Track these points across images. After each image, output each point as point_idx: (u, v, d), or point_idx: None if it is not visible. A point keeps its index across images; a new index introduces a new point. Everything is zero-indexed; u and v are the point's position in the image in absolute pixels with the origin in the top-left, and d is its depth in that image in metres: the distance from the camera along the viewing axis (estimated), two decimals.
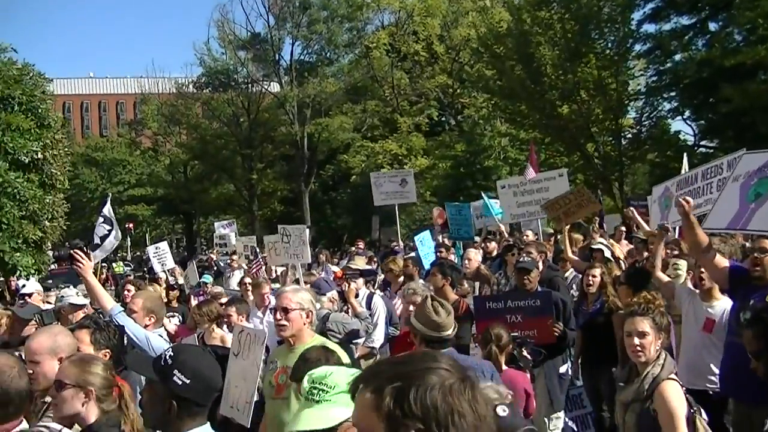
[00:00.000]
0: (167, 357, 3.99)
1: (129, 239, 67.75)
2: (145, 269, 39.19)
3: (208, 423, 3.93)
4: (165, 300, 13.53)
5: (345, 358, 6.06)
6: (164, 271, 19.87)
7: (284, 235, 14.28)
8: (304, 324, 6.53)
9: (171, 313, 13.08)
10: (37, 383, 4.92)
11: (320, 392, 3.29)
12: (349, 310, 10.87)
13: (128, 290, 13.44)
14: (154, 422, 3.98)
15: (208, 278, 18.31)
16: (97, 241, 19.26)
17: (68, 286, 11.85)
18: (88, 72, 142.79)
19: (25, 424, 4.28)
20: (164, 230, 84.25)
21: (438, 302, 6.61)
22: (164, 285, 17.07)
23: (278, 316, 6.59)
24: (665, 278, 9.03)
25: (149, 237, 65.54)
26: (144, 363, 4.30)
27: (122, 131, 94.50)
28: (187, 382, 3.87)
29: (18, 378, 4.25)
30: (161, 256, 20.80)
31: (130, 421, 4.51)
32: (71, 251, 7.26)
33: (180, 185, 70.59)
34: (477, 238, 18.92)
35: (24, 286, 17.65)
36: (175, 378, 3.87)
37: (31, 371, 4.81)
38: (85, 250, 7.18)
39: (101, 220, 19.55)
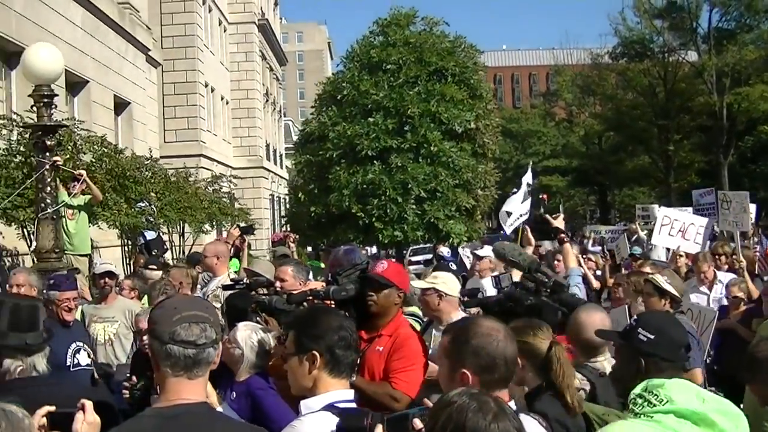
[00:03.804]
0: (632, 321, 4.45)
1: (542, 209, 71.43)
2: None
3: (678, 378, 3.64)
4: None
5: None
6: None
7: (724, 201, 14.08)
8: None
9: None
10: None
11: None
12: None
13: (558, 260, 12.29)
14: (626, 381, 3.93)
15: (637, 250, 18.18)
16: (519, 209, 21.15)
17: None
18: (501, 45, 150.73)
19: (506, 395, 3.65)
20: (577, 201, 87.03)
21: None
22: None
23: None
24: None
25: (562, 208, 66.61)
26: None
27: (536, 102, 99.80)
28: (652, 338, 4.16)
29: (504, 342, 3.67)
30: None
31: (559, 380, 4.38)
32: None
33: (594, 156, 73.10)
34: None
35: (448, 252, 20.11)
36: (640, 336, 4.19)
37: None
38: None
39: (523, 189, 22.45)
